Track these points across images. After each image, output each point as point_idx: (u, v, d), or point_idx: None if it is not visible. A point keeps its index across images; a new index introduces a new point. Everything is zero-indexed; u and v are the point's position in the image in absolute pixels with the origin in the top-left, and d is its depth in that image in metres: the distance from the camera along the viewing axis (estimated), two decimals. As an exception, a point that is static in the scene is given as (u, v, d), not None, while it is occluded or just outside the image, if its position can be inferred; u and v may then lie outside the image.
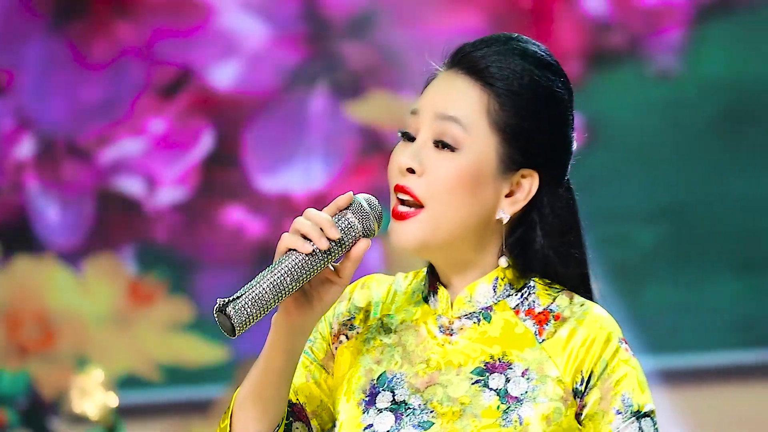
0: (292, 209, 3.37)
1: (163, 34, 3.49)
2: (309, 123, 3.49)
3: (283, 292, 0.57)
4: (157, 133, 3.51)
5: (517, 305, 0.68)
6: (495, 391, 0.63)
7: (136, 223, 3.57)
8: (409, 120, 0.66)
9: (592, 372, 0.64)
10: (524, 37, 0.69)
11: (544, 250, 0.68)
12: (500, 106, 0.65)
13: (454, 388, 0.64)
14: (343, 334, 0.70)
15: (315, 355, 0.70)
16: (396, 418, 0.64)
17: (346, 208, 0.62)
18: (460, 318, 0.67)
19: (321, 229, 0.60)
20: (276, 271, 0.57)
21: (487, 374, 0.64)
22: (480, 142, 0.65)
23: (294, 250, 0.59)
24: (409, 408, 0.64)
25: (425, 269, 0.71)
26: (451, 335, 0.67)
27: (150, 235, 3.58)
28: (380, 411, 0.64)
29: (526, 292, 0.69)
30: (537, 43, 0.69)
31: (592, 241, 0.72)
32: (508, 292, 0.68)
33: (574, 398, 0.64)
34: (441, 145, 0.64)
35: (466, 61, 0.66)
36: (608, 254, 3.02)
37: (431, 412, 0.63)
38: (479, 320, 0.67)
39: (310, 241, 0.59)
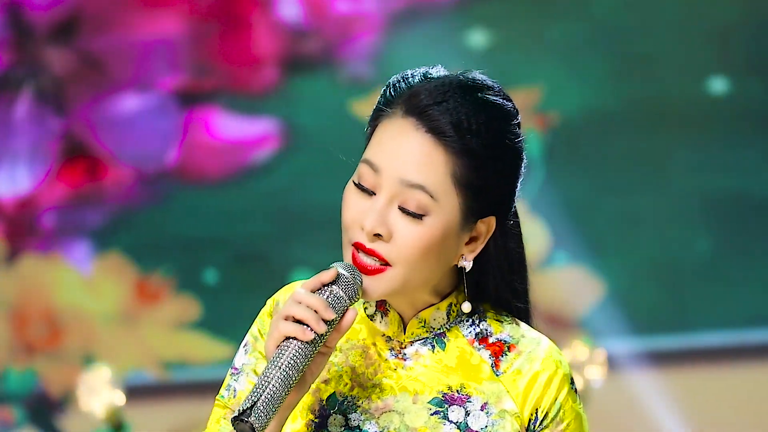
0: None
1: None
2: (14, 128, 3.52)
3: (291, 383, 0.57)
4: None
5: (470, 332, 0.68)
6: (455, 424, 0.63)
7: None
8: (365, 171, 0.64)
9: (546, 413, 0.65)
10: (480, 79, 0.67)
11: (498, 284, 0.69)
12: (466, 168, 0.63)
13: (411, 417, 0.63)
14: None
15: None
16: None
17: (331, 282, 0.61)
18: (412, 343, 0.67)
19: (315, 311, 0.58)
20: (281, 364, 0.57)
21: (446, 406, 0.64)
22: (447, 206, 0.64)
23: (292, 338, 0.57)
24: None
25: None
26: (405, 360, 0.66)
27: None
28: None
29: (476, 318, 0.69)
30: (493, 85, 0.67)
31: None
32: (460, 319, 0.68)
33: None
34: (407, 212, 0.62)
35: (427, 117, 0.63)
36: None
37: None
38: (434, 347, 0.67)
39: (307, 326, 0.57)
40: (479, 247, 0.66)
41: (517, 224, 0.71)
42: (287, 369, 0.56)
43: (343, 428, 0.64)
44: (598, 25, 3.61)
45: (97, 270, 3.67)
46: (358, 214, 0.62)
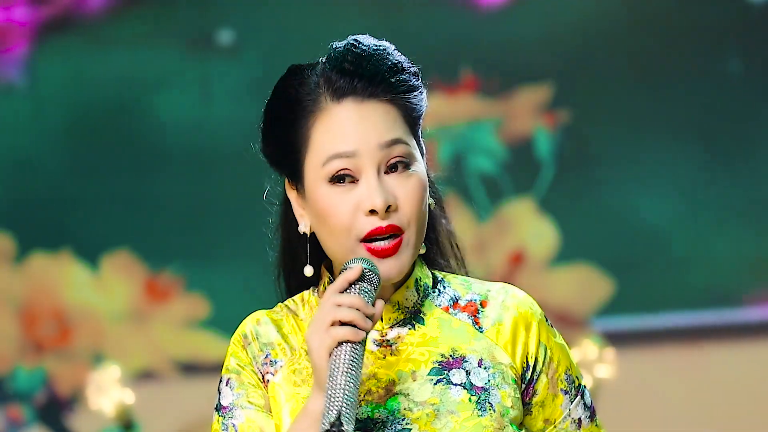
0: None
1: None
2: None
3: (358, 383, 0.57)
4: None
5: (440, 302, 0.69)
6: (461, 385, 0.64)
7: None
8: (336, 164, 0.63)
9: (536, 358, 0.67)
10: (357, 38, 0.67)
11: (440, 237, 0.73)
12: (408, 103, 0.66)
13: (416, 393, 0.64)
14: (268, 372, 0.68)
15: (256, 405, 0.67)
16: None
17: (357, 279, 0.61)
18: (392, 327, 0.67)
19: (357, 310, 0.58)
20: (344, 369, 0.56)
21: (446, 372, 0.65)
22: (415, 148, 0.67)
23: (344, 341, 0.57)
24: (377, 422, 0.63)
25: (308, 292, 0.71)
26: (390, 346, 0.67)
27: None
28: None
29: (441, 287, 0.71)
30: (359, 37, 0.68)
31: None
32: (428, 291, 0.70)
33: (521, 382, 0.67)
34: (399, 166, 0.64)
35: (359, 91, 0.64)
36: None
37: (403, 419, 0.62)
38: (413, 325, 0.68)
39: (354, 326, 0.58)
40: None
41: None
42: (351, 371, 0.56)
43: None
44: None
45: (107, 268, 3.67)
46: (354, 206, 0.63)
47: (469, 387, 0.64)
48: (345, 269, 0.61)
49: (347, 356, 0.57)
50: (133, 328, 3.62)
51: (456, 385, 0.64)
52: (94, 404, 3.46)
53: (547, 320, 0.70)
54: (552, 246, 3.66)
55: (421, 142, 0.70)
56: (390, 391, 0.64)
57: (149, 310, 3.64)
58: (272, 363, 0.68)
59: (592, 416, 0.70)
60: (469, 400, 0.63)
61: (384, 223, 0.62)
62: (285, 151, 0.67)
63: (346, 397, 0.55)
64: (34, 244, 3.61)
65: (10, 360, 3.67)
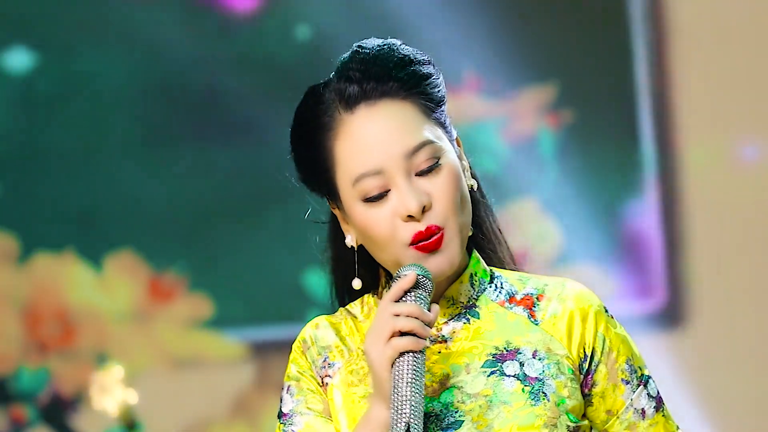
0: None
1: None
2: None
3: (423, 391, 0.57)
4: None
5: (497, 296, 0.69)
6: (514, 376, 0.64)
7: None
8: (367, 183, 0.63)
9: (594, 349, 0.67)
10: (363, 43, 0.67)
11: (490, 234, 0.73)
12: (425, 94, 0.65)
13: (470, 386, 0.64)
14: (327, 375, 0.69)
15: (315, 411, 0.68)
16: None
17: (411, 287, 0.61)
18: (447, 323, 0.68)
19: (416, 318, 0.58)
20: (408, 379, 0.56)
21: (500, 364, 0.65)
22: (442, 140, 0.66)
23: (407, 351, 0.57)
24: (430, 416, 0.63)
25: (368, 294, 0.71)
26: (445, 342, 0.67)
27: None
28: None
29: (498, 282, 0.71)
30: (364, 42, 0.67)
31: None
32: (483, 286, 0.70)
33: (579, 373, 0.66)
34: (428, 170, 0.64)
35: (368, 93, 0.64)
36: None
37: (456, 412, 0.63)
38: (468, 319, 0.68)
39: (415, 335, 0.58)
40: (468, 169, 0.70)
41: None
42: (415, 381, 0.56)
43: None
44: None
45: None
46: (391, 215, 0.63)
47: (522, 378, 0.64)
48: (398, 277, 0.61)
49: (410, 366, 0.57)
50: (136, 328, 3.64)
51: (509, 376, 0.64)
52: (97, 404, 3.47)
53: (606, 311, 0.69)
54: (556, 246, 3.65)
55: (448, 126, 0.69)
56: (444, 384, 0.64)
57: (152, 311, 3.65)
58: (330, 366, 0.68)
59: (658, 407, 0.69)
60: (522, 390, 0.63)
61: (422, 226, 0.62)
62: (316, 173, 0.67)
63: (413, 407, 0.55)
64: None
65: (13, 360, 3.69)
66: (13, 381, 3.69)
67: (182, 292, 3.60)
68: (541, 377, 0.64)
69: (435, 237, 0.63)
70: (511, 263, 0.75)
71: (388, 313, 0.58)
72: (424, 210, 0.62)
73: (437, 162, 0.64)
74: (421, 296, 0.60)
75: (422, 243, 0.63)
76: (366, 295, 0.71)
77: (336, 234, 0.71)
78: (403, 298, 0.60)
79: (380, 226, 0.63)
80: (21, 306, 3.68)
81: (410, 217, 0.62)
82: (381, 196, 0.64)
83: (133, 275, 3.59)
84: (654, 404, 0.68)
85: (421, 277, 0.60)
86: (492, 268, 0.72)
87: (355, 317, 0.71)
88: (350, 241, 0.67)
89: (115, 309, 3.66)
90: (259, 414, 3.40)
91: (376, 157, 0.63)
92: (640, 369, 0.69)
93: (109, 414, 3.43)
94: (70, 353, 3.69)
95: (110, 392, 3.43)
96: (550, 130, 3.63)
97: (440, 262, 0.63)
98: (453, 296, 0.68)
